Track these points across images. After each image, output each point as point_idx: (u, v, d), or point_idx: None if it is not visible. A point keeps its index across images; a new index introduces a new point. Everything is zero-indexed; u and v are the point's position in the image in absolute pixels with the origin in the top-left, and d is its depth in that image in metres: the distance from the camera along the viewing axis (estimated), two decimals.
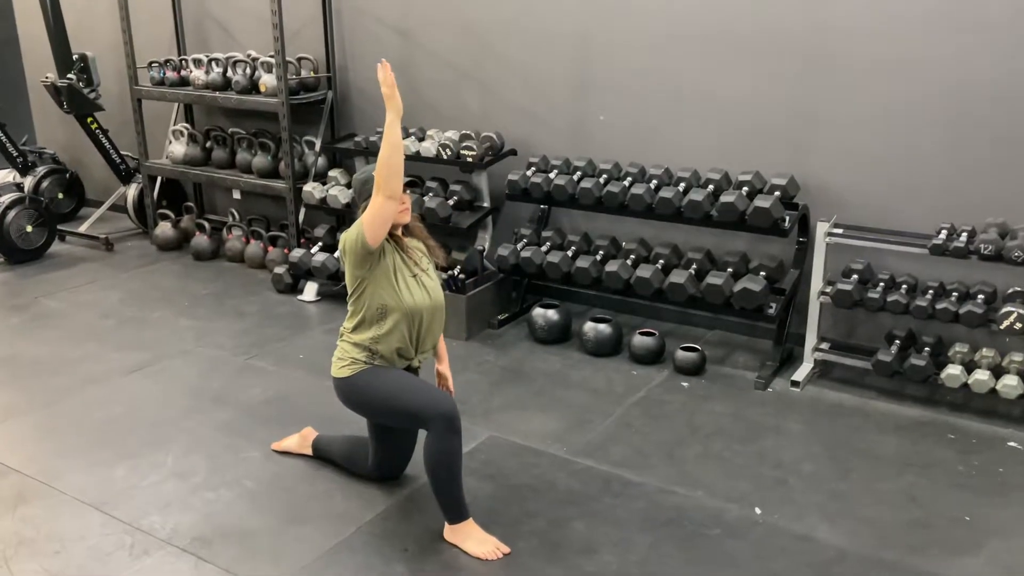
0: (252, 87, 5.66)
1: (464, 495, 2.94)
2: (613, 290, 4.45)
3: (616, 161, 4.62)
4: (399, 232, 3.04)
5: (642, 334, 4.38)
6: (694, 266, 4.35)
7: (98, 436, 3.65)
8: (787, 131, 4.35)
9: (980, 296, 3.82)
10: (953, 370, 3.80)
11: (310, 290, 5.31)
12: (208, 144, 6.18)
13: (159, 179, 6.49)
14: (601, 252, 4.56)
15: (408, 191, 3.04)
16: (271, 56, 5.62)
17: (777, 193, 4.12)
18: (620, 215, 4.51)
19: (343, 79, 5.76)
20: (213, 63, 5.85)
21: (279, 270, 5.43)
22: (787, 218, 4.08)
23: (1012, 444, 3.62)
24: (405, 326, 2.96)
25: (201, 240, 6.10)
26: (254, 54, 5.78)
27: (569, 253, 4.58)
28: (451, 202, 4.91)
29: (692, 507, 3.15)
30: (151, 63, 6.13)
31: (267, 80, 5.55)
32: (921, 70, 3.99)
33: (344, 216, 5.55)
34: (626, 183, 4.43)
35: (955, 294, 3.87)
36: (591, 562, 2.84)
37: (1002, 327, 3.68)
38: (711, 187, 4.26)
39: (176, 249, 6.31)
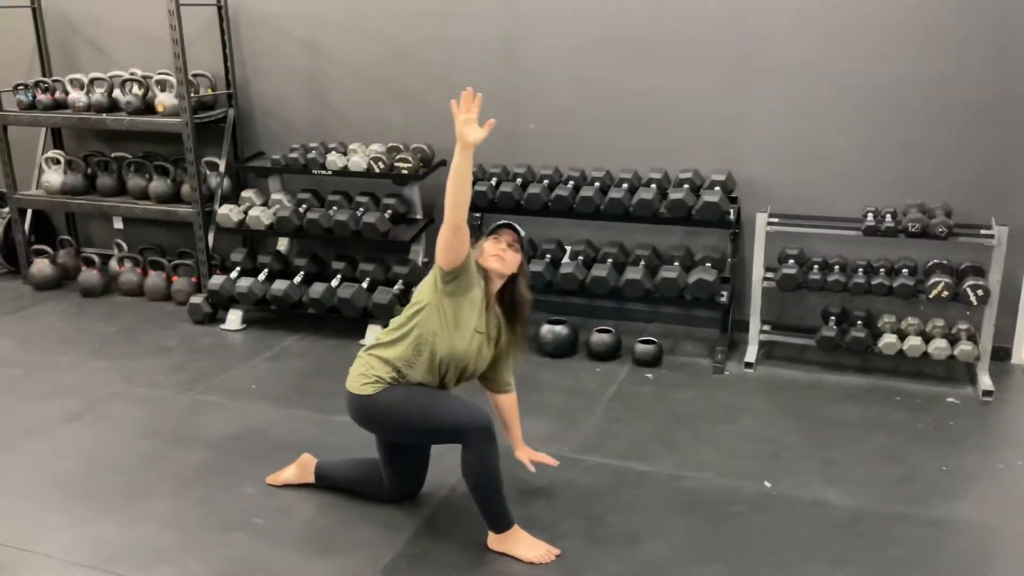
0: (146, 108, 5.29)
1: (507, 502, 2.91)
2: (565, 291, 4.54)
3: (555, 166, 4.72)
4: (495, 285, 2.94)
5: (599, 331, 4.50)
6: (642, 262, 4.51)
7: (64, 492, 3.30)
8: (715, 130, 4.62)
9: (905, 270, 4.23)
10: (889, 339, 4.18)
11: (234, 318, 5.03)
12: (90, 171, 5.70)
13: (28, 212, 5.92)
14: (548, 256, 4.63)
15: (509, 245, 2.93)
16: (162, 73, 5.30)
17: (717, 188, 4.36)
18: (567, 219, 4.61)
19: (244, 95, 5.50)
20: (94, 84, 5.41)
21: (196, 299, 5.10)
22: (731, 211, 4.33)
23: (950, 399, 4.03)
24: (439, 366, 2.88)
25: (90, 275, 5.62)
26: (141, 73, 5.40)
27: None
28: (387, 215, 4.82)
29: (708, 489, 3.28)
30: (17, 86, 5.58)
31: (165, 99, 5.21)
32: (834, 69, 4.37)
33: (257, 238, 5.32)
34: (570, 187, 4.54)
35: (882, 270, 4.26)
36: (640, 552, 2.90)
37: (931, 296, 4.09)
38: (653, 186, 4.45)
39: (56, 288, 5.77)
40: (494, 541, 2.91)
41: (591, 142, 4.80)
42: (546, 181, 4.62)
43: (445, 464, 3.23)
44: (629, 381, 4.25)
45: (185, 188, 5.36)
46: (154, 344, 4.79)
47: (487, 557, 2.88)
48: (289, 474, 3.33)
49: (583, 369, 4.39)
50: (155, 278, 5.52)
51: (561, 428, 3.77)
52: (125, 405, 4.04)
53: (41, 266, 5.74)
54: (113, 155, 5.67)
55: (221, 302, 5.04)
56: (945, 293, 4.05)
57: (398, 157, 4.80)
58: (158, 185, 5.41)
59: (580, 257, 4.59)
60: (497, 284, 2.95)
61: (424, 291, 2.91)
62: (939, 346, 4.12)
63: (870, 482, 3.32)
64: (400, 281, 4.79)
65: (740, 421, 3.84)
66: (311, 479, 3.30)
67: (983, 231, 4.07)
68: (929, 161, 4.34)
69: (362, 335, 4.79)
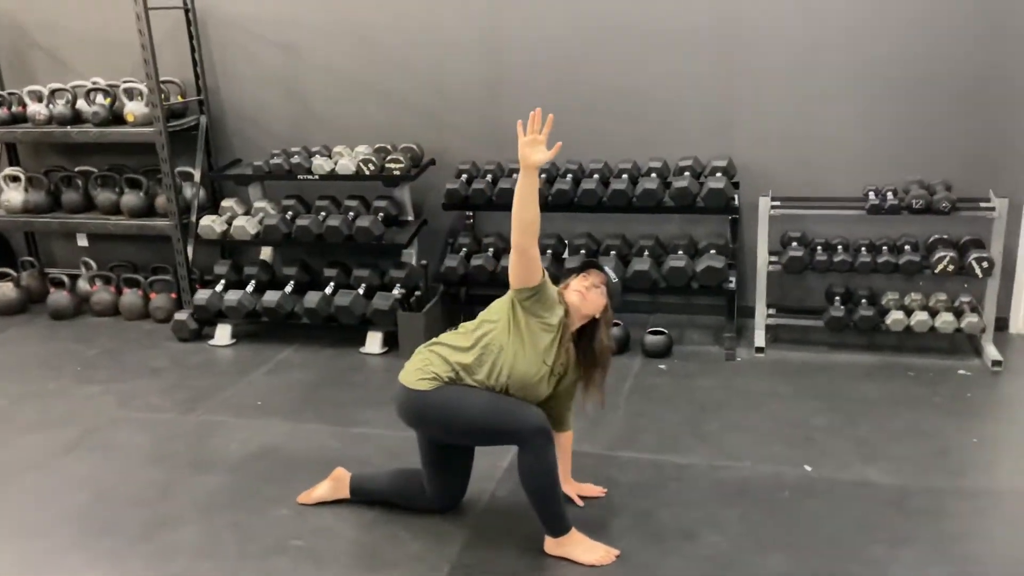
0: (114, 118, 5.04)
1: (564, 505, 2.83)
2: None
3: (552, 160, 4.64)
4: (573, 323, 2.83)
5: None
6: (646, 252, 4.47)
7: (80, 528, 3.09)
8: (709, 117, 4.60)
9: (907, 247, 4.27)
10: (896, 315, 4.23)
11: (223, 333, 4.83)
12: (52, 187, 5.41)
13: None
14: (550, 251, 4.56)
15: (595, 286, 2.84)
16: (129, 81, 5.06)
17: (719, 174, 4.34)
18: (568, 212, 4.54)
19: (216, 101, 5.29)
20: (55, 95, 5.14)
21: (180, 316, 4.87)
22: (735, 197, 4.32)
23: (962, 372, 4.09)
24: (495, 379, 2.77)
25: (59, 297, 5.34)
26: (105, 82, 5.14)
27: None
28: (380, 218, 4.68)
29: (750, 477, 3.26)
30: None
31: (134, 108, 4.97)
32: (826, 49, 4.39)
33: (235, 249, 5.13)
34: (568, 180, 4.47)
35: (884, 248, 4.29)
36: (700, 545, 2.85)
37: (936, 271, 4.14)
38: (654, 175, 4.41)
39: (21, 312, 5.47)
40: (552, 546, 2.82)
41: (584, 134, 4.73)
42: (543, 175, 4.54)
43: (480, 470, 3.13)
44: (644, 373, 4.21)
45: (160, 200, 5.13)
46: (142, 365, 4.57)
47: (546, 563, 2.80)
48: (323, 491, 3.18)
49: None
50: (131, 296, 5.27)
51: (587, 425, 3.69)
52: (126, 431, 3.83)
53: (4, 289, 5.42)
54: (77, 169, 5.39)
55: (208, 317, 4.83)
56: (951, 267, 4.11)
57: (388, 158, 4.67)
58: (130, 199, 5.16)
59: (583, 251, 4.52)
60: (576, 323, 2.84)
61: (499, 307, 2.84)
62: (946, 320, 4.17)
63: (907, 458, 3.33)
64: (398, 285, 4.66)
65: (764, 406, 3.82)
66: (346, 494, 3.16)
67: (982, 204, 4.13)
68: (922, 137, 4.39)
69: (361, 343, 4.64)
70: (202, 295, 4.79)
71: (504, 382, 2.77)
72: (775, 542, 2.84)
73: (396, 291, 4.63)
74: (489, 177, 4.62)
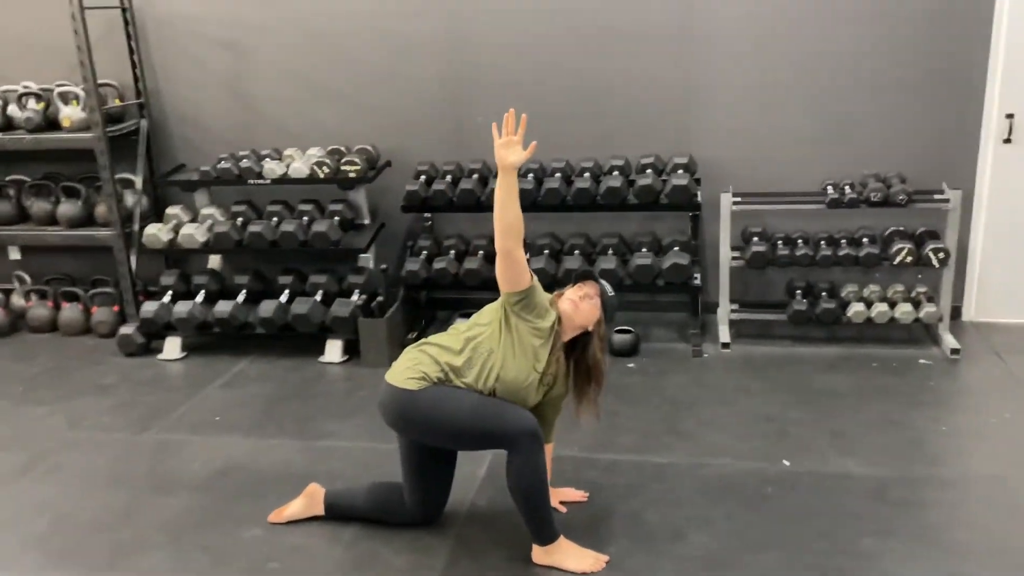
0: (48, 124, 4.79)
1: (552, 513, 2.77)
2: None
3: None
4: (565, 333, 2.75)
5: None
6: (610, 251, 4.44)
7: (43, 556, 2.90)
8: (667, 114, 4.59)
9: (865, 240, 4.33)
10: (857, 307, 4.28)
11: (173, 347, 4.62)
12: None
13: None
14: None
15: (588, 296, 2.77)
16: (63, 85, 4.81)
17: (681, 171, 4.34)
18: (530, 212, 4.45)
19: (156, 104, 5.07)
20: None
21: (126, 330, 4.65)
22: (698, 193, 4.32)
23: (923, 361, 4.16)
24: (484, 383, 2.69)
25: None
26: (35, 86, 4.87)
27: (478, 258, 4.46)
28: (336, 222, 4.54)
29: (732, 474, 3.24)
30: None
31: (70, 113, 4.73)
32: (780, 46, 4.42)
33: (181, 258, 4.93)
34: (530, 179, 4.41)
35: (843, 241, 4.35)
36: (689, 547, 2.81)
37: (896, 263, 4.20)
38: (616, 172, 4.38)
39: None
40: (540, 555, 2.75)
41: (544, 133, 4.62)
42: None
43: (458, 478, 3.01)
44: (613, 372, 4.11)
45: (100, 209, 4.89)
46: (89, 383, 4.34)
47: (535, 573, 2.73)
48: (295, 508, 3.05)
49: None
50: (71, 311, 5.02)
51: (562, 428, 3.57)
52: (79, 453, 3.62)
53: None
54: (9, 178, 5.10)
55: (156, 330, 4.63)
56: (909, 258, 4.17)
57: (343, 160, 4.53)
58: (68, 208, 4.92)
59: (546, 251, 4.47)
60: (568, 333, 2.77)
61: (490, 310, 2.77)
62: (905, 310, 4.24)
63: (882, 449, 3.36)
64: (357, 291, 4.53)
65: (737, 402, 3.82)
66: (320, 511, 3.04)
67: (937, 196, 4.21)
68: (874, 131, 4.45)
69: (319, 352, 4.50)
70: (149, 307, 4.58)
71: (492, 386, 2.69)
72: (765, 540, 2.83)
73: (355, 297, 4.49)
74: (449, 178, 4.53)
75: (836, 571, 2.65)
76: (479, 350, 2.71)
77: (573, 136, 4.66)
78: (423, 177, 4.59)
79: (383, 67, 4.78)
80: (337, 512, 3.03)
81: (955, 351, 4.14)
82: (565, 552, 2.74)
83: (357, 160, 4.50)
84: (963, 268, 4.53)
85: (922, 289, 4.37)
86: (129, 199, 4.94)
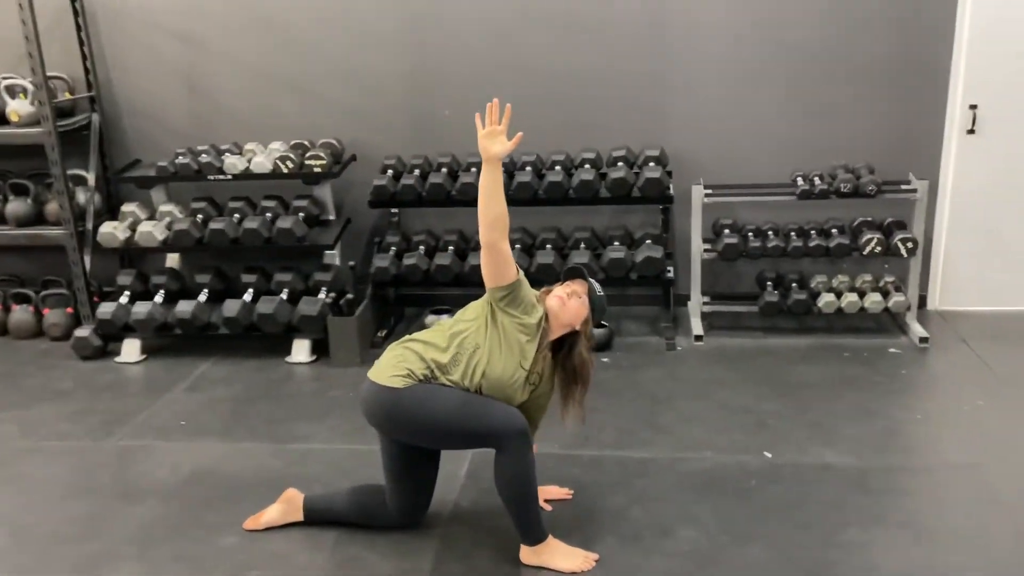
0: None
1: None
2: None
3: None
4: (552, 331, 2.69)
5: None
6: (582, 245, 4.40)
7: (3, 569, 2.76)
8: (636, 106, 4.56)
9: (834, 230, 4.36)
10: (828, 298, 4.31)
11: (131, 349, 4.46)
12: None
13: None
14: None
15: (577, 294, 2.72)
16: (8, 77, 4.61)
17: (652, 163, 4.31)
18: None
19: (108, 98, 4.88)
20: None
21: (82, 332, 4.47)
22: (671, 186, 4.30)
23: (892, 350, 4.20)
24: (470, 381, 2.62)
25: None
26: None
27: (448, 253, 4.38)
28: (301, 219, 4.42)
29: (713, 467, 3.22)
30: None
31: (18, 107, 4.52)
32: (749, 40, 4.42)
33: (135, 257, 4.77)
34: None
35: (813, 232, 4.37)
36: (678, 542, 2.78)
37: (865, 253, 4.24)
38: (588, 165, 4.34)
39: None
40: (528, 555, 2.70)
41: (513, 126, 4.56)
42: (473, 169, 4.39)
43: (439, 479, 2.93)
44: None
45: (51, 207, 4.70)
46: (44, 388, 4.17)
47: (524, 573, 2.67)
48: (272, 514, 2.95)
49: None
50: (21, 313, 4.82)
51: (543, 425, 3.54)
52: (36, 463, 3.46)
53: None
54: None
55: (113, 332, 4.46)
56: (879, 249, 4.21)
57: (308, 155, 4.41)
58: (17, 206, 4.71)
59: (517, 246, 4.41)
60: (555, 332, 2.70)
61: (475, 306, 2.71)
62: (875, 300, 4.28)
63: (859, 439, 3.37)
64: (324, 289, 4.42)
65: (713, 395, 3.81)
66: (299, 517, 2.94)
67: (904, 187, 4.25)
68: (840, 122, 4.48)
69: (285, 352, 4.38)
70: (106, 308, 4.41)
71: (479, 383, 2.62)
72: (751, 533, 2.81)
73: (323, 295, 4.38)
74: (417, 172, 4.44)
75: (824, 563, 2.65)
76: (465, 346, 2.64)
77: (542, 129, 4.59)
78: (390, 172, 4.49)
79: (345, 58, 4.67)
80: (317, 517, 2.93)
81: (924, 339, 4.19)
82: (554, 551, 2.69)
83: (322, 154, 4.39)
84: (928, 257, 4.59)
85: (890, 279, 4.41)
86: (81, 196, 4.75)
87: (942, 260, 4.58)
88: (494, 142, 2.53)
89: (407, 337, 2.75)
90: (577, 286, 2.76)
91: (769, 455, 3.29)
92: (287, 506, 2.95)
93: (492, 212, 2.52)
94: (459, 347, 2.64)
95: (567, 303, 2.70)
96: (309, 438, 3.58)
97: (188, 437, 3.63)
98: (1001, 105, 4.30)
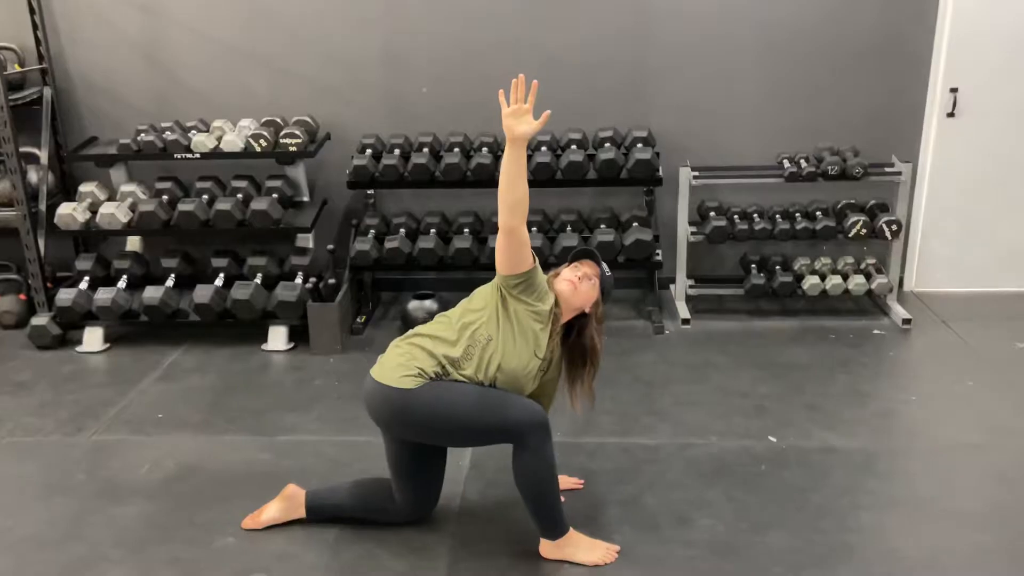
0: None
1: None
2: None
3: (464, 133, 4.36)
4: (562, 315, 2.58)
5: None
6: (569, 227, 4.31)
7: None
8: (621, 87, 4.48)
9: (818, 213, 4.36)
10: (812, 280, 4.31)
11: (94, 338, 4.21)
12: None
13: None
14: (467, 230, 4.30)
15: (588, 277, 2.62)
16: None
17: (640, 145, 4.24)
18: (486, 188, 4.27)
19: (61, 71, 4.58)
20: None
21: (39, 320, 4.20)
22: (660, 168, 4.24)
23: (877, 331, 4.23)
24: (484, 374, 2.51)
25: None
26: None
27: (431, 236, 4.24)
28: (275, 199, 4.22)
29: (722, 453, 3.18)
30: None
31: None
32: (733, 20, 4.37)
33: (92, 240, 4.51)
34: (485, 153, 4.22)
35: (798, 215, 4.36)
36: (697, 530, 2.73)
37: (851, 235, 4.25)
38: (574, 146, 4.25)
39: None
40: (549, 549, 2.61)
41: (491, 105, 4.46)
42: (457, 149, 4.26)
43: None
44: None
45: (1, 187, 4.39)
46: (3, 381, 3.90)
47: (547, 569, 2.59)
48: (273, 512, 2.80)
49: None
50: None
51: None
52: (5, 460, 3.23)
53: None
54: None
55: (73, 320, 4.20)
56: (864, 231, 4.23)
57: (283, 133, 4.21)
58: None
59: None
60: (566, 316, 2.60)
61: (483, 295, 2.58)
62: (858, 282, 4.30)
63: (859, 422, 3.38)
64: (300, 273, 4.23)
65: (708, 379, 3.78)
66: (301, 514, 2.79)
67: (888, 169, 4.27)
68: (822, 106, 4.48)
69: (261, 339, 4.19)
70: (66, 295, 4.15)
71: (493, 375, 2.51)
72: (769, 520, 2.78)
73: (299, 280, 4.20)
74: (398, 152, 4.28)
75: (845, 548, 2.63)
76: (477, 338, 2.52)
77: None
78: (369, 151, 4.32)
79: (318, 31, 4.47)
80: (321, 514, 2.79)
81: (907, 321, 4.23)
82: (577, 544, 2.61)
83: (298, 132, 4.19)
84: (906, 239, 4.64)
85: (871, 261, 4.44)
86: (33, 176, 4.46)
87: (919, 242, 4.63)
88: (520, 121, 2.41)
89: (410, 332, 2.61)
90: (588, 268, 2.67)
91: (774, 439, 3.27)
92: (289, 503, 2.80)
93: (515, 195, 2.40)
94: (471, 340, 2.52)
95: (579, 287, 2.61)
96: (297, 429, 3.42)
97: (166, 431, 3.43)
98: (981, 89, 4.35)
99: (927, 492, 2.92)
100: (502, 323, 2.52)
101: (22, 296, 4.51)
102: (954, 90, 4.35)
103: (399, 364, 2.50)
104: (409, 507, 2.74)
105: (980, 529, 2.70)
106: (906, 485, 2.96)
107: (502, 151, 4.22)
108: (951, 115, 4.39)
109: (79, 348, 4.20)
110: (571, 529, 2.62)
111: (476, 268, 4.23)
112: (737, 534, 2.71)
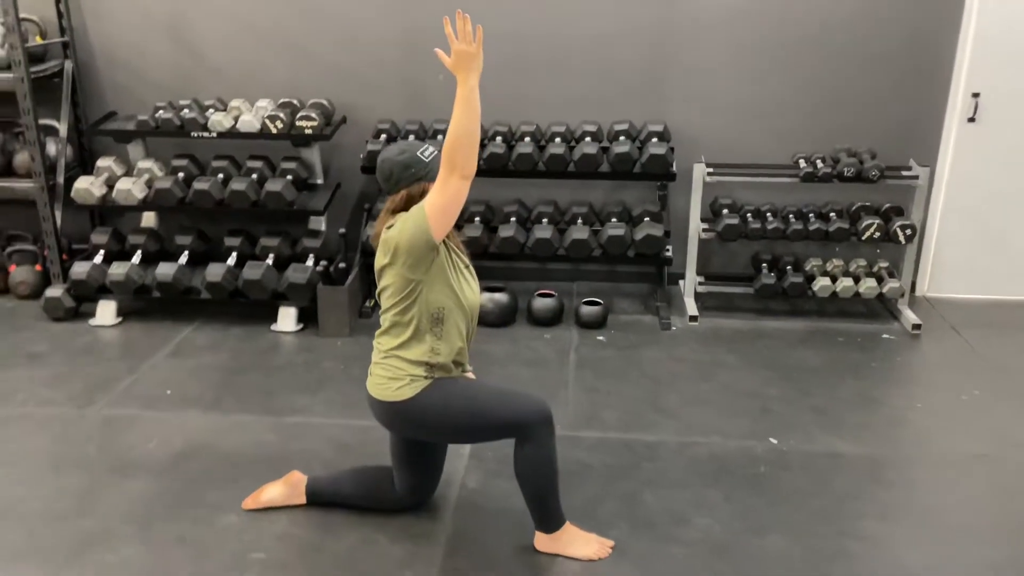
0: None
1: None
2: (507, 256, 4.25)
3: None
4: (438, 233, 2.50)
5: (542, 296, 4.27)
6: (580, 220, 4.31)
7: None
8: (639, 80, 4.46)
9: (832, 214, 4.34)
10: (823, 282, 4.30)
11: (107, 311, 4.26)
12: None
13: None
14: (478, 218, 4.31)
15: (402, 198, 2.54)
16: None
17: (655, 139, 4.23)
18: (500, 178, 4.29)
19: (83, 44, 4.61)
20: None
21: (53, 292, 4.25)
22: (674, 163, 4.23)
23: (886, 336, 4.22)
24: (464, 325, 2.54)
25: None
26: None
27: None
28: (290, 181, 4.24)
29: (722, 453, 3.20)
30: None
31: None
32: (755, 17, 4.34)
33: (107, 215, 4.54)
34: (499, 143, 4.22)
35: (811, 215, 4.35)
36: (692, 530, 2.75)
37: (864, 238, 4.23)
38: (588, 139, 4.24)
39: None
40: (544, 542, 2.64)
41: (509, 95, 4.47)
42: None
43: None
44: (585, 346, 4.07)
45: (20, 158, 4.44)
46: (17, 351, 3.96)
47: (542, 561, 2.61)
48: (273, 494, 2.84)
49: (530, 336, 4.15)
50: None
51: None
52: (16, 432, 3.29)
53: None
54: None
55: (87, 293, 4.25)
56: (877, 234, 4.21)
57: (299, 115, 4.22)
58: None
59: (513, 219, 4.30)
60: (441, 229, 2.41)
61: (405, 281, 2.44)
62: (869, 285, 4.28)
63: (866, 427, 3.37)
64: (312, 256, 4.26)
65: (714, 377, 3.78)
66: (301, 500, 2.83)
67: (905, 173, 4.24)
68: (842, 107, 4.45)
69: (270, 319, 4.23)
70: (81, 268, 4.19)
71: (463, 323, 2.52)
72: (768, 523, 2.79)
73: (310, 262, 4.23)
74: (412, 138, 4.29)
75: (845, 555, 2.64)
76: (424, 313, 2.45)
77: (542, 99, 4.48)
78: (384, 136, 4.33)
79: (339, 16, 4.47)
80: (321, 500, 2.83)
81: (916, 327, 4.22)
82: (571, 538, 2.64)
83: (314, 115, 4.21)
84: (920, 244, 4.61)
85: (883, 264, 4.42)
86: (52, 148, 4.50)
87: (933, 247, 4.60)
88: (474, 67, 2.31)
89: (377, 350, 2.58)
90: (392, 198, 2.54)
91: (775, 441, 3.27)
92: (290, 489, 2.84)
93: (475, 136, 2.30)
94: (432, 321, 2.46)
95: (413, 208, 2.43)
96: (305, 411, 3.46)
97: (175, 407, 3.48)
98: (1003, 94, 4.30)
99: (932, 502, 2.92)
100: (435, 285, 2.44)
101: (38, 267, 4.57)
102: (976, 95, 4.31)
103: (389, 378, 2.52)
104: (410, 493, 2.78)
105: (987, 544, 2.70)
106: (911, 494, 2.96)
107: (516, 141, 4.26)
108: (972, 120, 4.35)
109: (92, 321, 4.25)
110: (568, 523, 2.65)
111: (486, 257, 4.24)
112: (734, 535, 2.73)
